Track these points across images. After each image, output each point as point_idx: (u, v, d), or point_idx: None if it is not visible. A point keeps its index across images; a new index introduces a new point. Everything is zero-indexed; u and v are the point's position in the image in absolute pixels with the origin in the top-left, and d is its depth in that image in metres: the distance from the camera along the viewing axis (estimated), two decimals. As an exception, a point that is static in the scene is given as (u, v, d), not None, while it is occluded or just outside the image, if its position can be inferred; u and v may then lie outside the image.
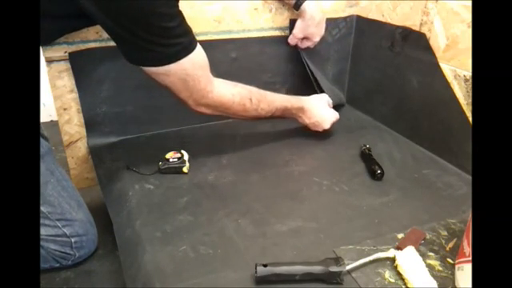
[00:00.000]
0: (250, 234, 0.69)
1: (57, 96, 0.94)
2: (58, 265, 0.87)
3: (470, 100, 0.84)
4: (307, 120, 0.98)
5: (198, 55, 0.74)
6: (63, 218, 0.84)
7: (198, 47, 0.74)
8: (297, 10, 1.02)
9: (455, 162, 0.90)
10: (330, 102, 1.04)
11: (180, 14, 0.69)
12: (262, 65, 1.11)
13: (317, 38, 1.06)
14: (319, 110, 0.99)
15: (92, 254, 0.91)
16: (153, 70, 0.72)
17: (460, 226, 0.71)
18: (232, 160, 0.90)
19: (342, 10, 1.13)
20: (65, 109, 0.96)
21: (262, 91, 0.89)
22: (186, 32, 0.71)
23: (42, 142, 0.83)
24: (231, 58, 1.07)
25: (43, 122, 1.07)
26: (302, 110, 0.96)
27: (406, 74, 1.01)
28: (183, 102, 0.79)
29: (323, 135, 1.05)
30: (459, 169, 0.89)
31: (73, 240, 0.85)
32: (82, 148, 1.01)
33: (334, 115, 1.01)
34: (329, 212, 0.75)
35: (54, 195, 0.82)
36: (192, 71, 0.74)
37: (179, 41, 0.70)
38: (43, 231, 0.82)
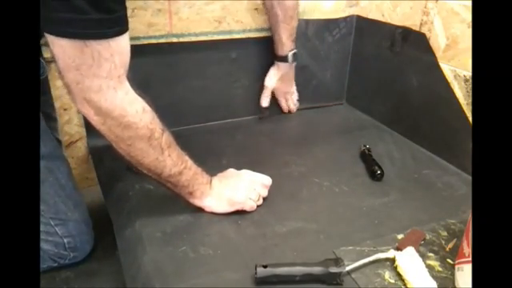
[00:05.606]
0: (249, 235, 0.69)
1: (57, 96, 0.94)
2: (55, 264, 0.87)
3: (470, 100, 0.84)
4: (211, 200, 0.73)
5: (123, 40, 0.57)
6: (57, 217, 0.83)
7: (125, 35, 0.58)
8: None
9: (455, 162, 0.90)
10: (258, 179, 0.78)
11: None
12: (262, 65, 1.11)
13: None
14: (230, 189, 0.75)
15: (90, 255, 0.91)
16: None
17: (460, 227, 0.71)
18: (232, 160, 0.90)
19: (342, 10, 1.13)
20: (65, 109, 0.96)
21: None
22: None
23: (47, 142, 0.82)
24: (231, 58, 1.07)
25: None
26: (209, 183, 0.74)
27: (406, 73, 1.00)
28: (68, 90, 0.59)
29: (323, 135, 1.04)
30: (459, 169, 0.89)
31: (65, 240, 0.85)
32: (82, 148, 1.01)
33: (252, 194, 0.75)
34: (329, 213, 0.75)
35: (50, 193, 0.82)
36: (97, 46, 0.54)
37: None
38: None
